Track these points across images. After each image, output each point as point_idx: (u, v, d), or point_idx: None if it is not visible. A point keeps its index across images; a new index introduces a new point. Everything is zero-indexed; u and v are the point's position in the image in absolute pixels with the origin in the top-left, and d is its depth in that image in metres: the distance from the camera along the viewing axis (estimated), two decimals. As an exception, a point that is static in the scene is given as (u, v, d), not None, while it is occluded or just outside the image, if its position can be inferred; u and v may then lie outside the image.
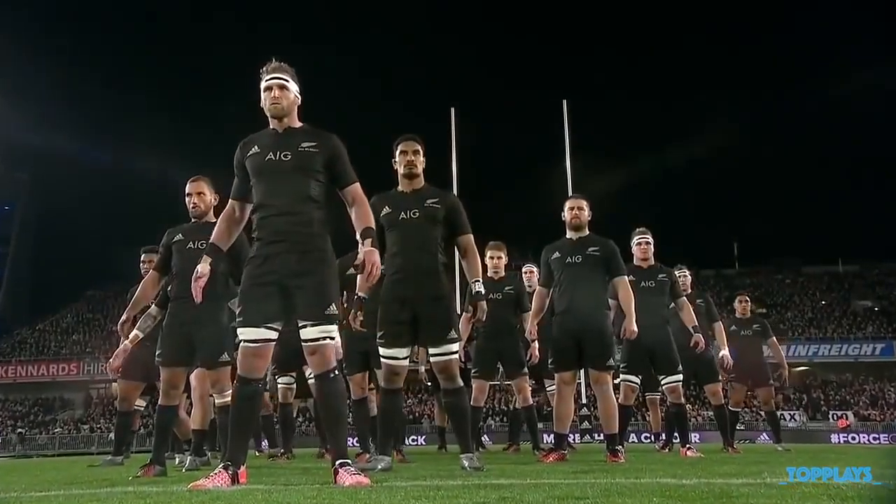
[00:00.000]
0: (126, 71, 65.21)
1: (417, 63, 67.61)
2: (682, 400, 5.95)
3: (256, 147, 3.24)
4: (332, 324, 3.08)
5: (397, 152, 4.16)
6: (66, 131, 47.30)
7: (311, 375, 3.25)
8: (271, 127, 3.30)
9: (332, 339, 3.09)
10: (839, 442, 24.02)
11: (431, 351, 3.98)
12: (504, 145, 61.50)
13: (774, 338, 8.17)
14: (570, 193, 24.59)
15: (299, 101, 3.33)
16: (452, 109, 27.65)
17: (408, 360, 4.07)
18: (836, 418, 28.69)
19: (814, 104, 56.56)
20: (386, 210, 4.07)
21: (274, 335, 3.09)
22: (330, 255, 3.18)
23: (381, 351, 4.03)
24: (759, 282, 42.55)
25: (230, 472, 2.90)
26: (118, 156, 53.37)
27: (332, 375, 3.06)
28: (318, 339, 3.05)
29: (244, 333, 3.06)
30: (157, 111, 65.51)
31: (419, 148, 4.16)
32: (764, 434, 24.13)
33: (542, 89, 59.48)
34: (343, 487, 2.72)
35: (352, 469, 2.88)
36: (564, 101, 27.62)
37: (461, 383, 4.03)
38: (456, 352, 3.99)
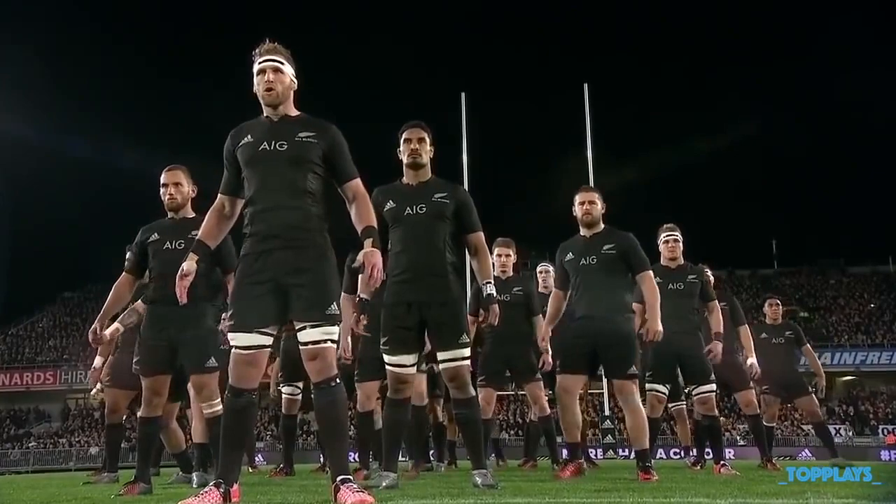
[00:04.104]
0: (107, 58, 65.42)
1: (425, 45, 67.59)
2: (716, 412, 5.93)
3: (249, 136, 3.24)
4: (333, 325, 3.08)
5: (401, 140, 4.17)
6: (42, 120, 47.54)
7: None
8: (265, 115, 3.30)
9: (335, 342, 3.09)
10: (890, 459, 23.88)
11: (441, 356, 3.98)
12: (519, 133, 61.39)
13: (808, 345, 8.14)
14: (591, 186, 24.56)
15: (295, 86, 3.33)
16: (462, 95, 27.69)
17: (415, 367, 4.09)
18: (885, 433, 28.52)
19: (860, 92, 56.22)
20: (390, 204, 4.07)
21: (268, 341, 3.09)
22: (329, 252, 3.18)
23: (386, 358, 4.04)
24: (801, 283, 42.38)
25: (221, 489, 2.92)
26: (98, 148, 53.68)
27: (333, 384, 3.06)
28: (318, 342, 3.04)
29: (235, 339, 3.06)
30: (139, 102, 65.80)
31: (425, 136, 4.15)
32: (806, 450, 24.02)
33: (561, 72, 59.34)
34: (344, 506, 2.74)
35: (354, 486, 2.89)
36: (585, 85, 27.58)
37: (473, 392, 4.06)
38: (467, 357, 4.00)
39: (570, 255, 5.00)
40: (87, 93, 61.42)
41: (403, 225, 4.05)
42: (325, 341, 3.06)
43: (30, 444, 32.18)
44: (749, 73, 67.66)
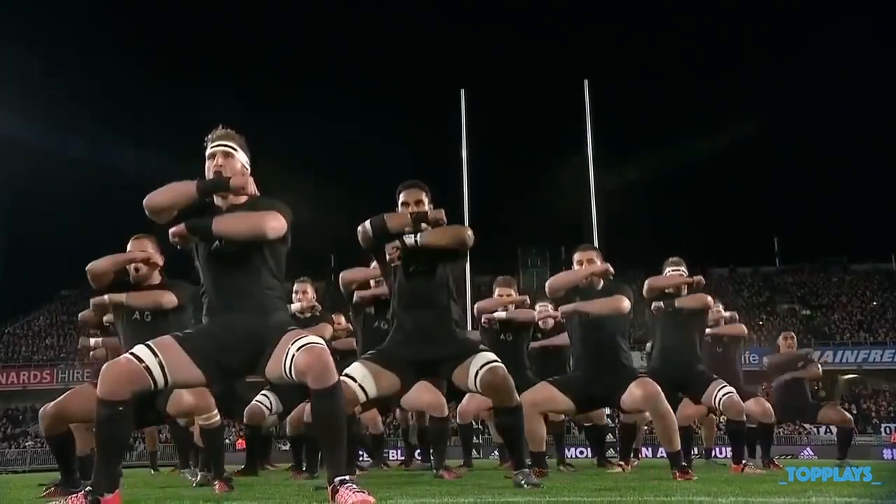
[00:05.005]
0: (107, 59, 65.17)
1: (424, 42, 67.43)
2: (743, 417, 5.82)
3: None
4: (304, 332, 3.10)
5: (399, 202, 4.10)
6: (41, 119, 47.36)
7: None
8: (216, 203, 3.27)
9: (320, 344, 3.02)
10: (892, 458, 23.91)
11: (472, 373, 3.82)
12: (520, 130, 61.23)
13: (820, 371, 8.40)
14: (591, 184, 24.62)
15: (248, 172, 3.30)
16: (462, 92, 27.68)
17: (366, 397, 3.92)
18: (888, 431, 28.56)
19: (862, 89, 56.12)
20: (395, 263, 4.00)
21: (158, 375, 2.98)
22: (276, 311, 3.24)
23: (360, 368, 3.90)
24: (803, 280, 42.35)
25: (89, 499, 2.84)
26: (97, 146, 53.43)
27: (335, 391, 2.98)
28: (305, 345, 2.99)
29: (139, 348, 3.00)
30: (139, 102, 65.56)
31: (423, 198, 4.08)
32: (808, 449, 24.05)
33: (562, 68, 59.11)
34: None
35: (354, 486, 2.89)
36: (586, 81, 27.56)
37: (518, 400, 3.93)
38: (494, 360, 3.84)
39: (578, 298, 4.93)
40: (86, 93, 61.18)
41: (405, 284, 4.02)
42: (312, 343, 3.00)
43: (26, 444, 32.22)
44: (750, 70, 67.61)
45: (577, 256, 5.08)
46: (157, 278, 4.56)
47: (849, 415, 8.39)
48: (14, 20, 57.34)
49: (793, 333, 8.70)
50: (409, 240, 3.89)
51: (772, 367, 8.21)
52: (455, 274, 4.08)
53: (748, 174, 62.02)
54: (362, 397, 3.86)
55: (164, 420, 4.98)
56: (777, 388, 8.07)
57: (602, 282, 4.99)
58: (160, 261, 4.55)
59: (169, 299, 4.46)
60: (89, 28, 63.04)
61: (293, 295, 6.36)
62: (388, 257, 3.95)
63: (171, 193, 3.17)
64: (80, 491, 2.91)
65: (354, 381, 3.80)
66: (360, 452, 8.47)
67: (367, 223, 3.95)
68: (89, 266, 4.38)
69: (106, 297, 4.50)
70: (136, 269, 4.49)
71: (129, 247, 4.56)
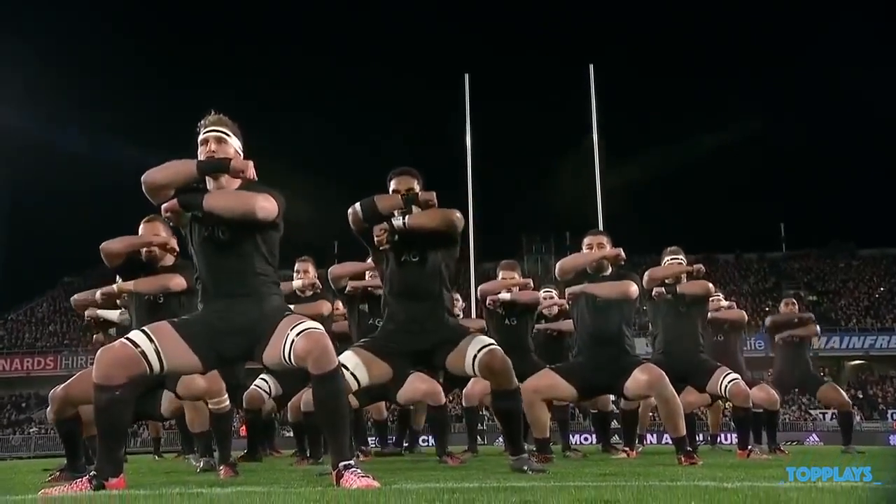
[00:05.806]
0: (106, 58, 64.89)
1: (427, 24, 67.08)
2: (749, 404, 5.79)
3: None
4: (299, 316, 3.13)
5: (390, 189, 4.08)
6: (44, 108, 47.41)
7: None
8: (210, 188, 3.27)
9: (318, 329, 3.05)
10: (898, 444, 23.93)
11: (469, 357, 3.82)
12: (524, 118, 61.00)
13: (818, 329, 8.41)
14: (596, 170, 24.53)
15: (240, 158, 3.30)
16: (466, 77, 27.51)
17: (362, 383, 3.94)
18: (894, 418, 28.58)
19: (867, 74, 55.76)
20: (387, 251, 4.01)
21: (154, 360, 3.02)
22: (270, 298, 3.25)
23: (352, 356, 3.90)
24: (809, 266, 42.28)
25: (93, 483, 2.88)
26: (95, 143, 53.36)
27: (335, 374, 3.02)
28: (303, 330, 3.01)
29: (135, 333, 3.06)
30: (140, 99, 65.41)
31: (414, 185, 4.06)
32: (814, 434, 24.08)
33: (566, 53, 58.73)
34: (349, 490, 2.75)
35: (358, 471, 2.91)
36: (591, 66, 27.34)
37: (517, 382, 3.90)
38: (491, 343, 3.86)
39: (586, 282, 4.97)
40: (87, 87, 61.15)
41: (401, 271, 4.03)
42: (309, 329, 3.03)
43: (31, 430, 32.40)
44: (756, 62, 67.18)
45: (586, 240, 5.09)
46: (169, 260, 4.58)
47: (847, 398, 8.33)
48: (14, 19, 57.24)
49: (794, 300, 8.73)
50: (398, 221, 3.89)
51: (773, 324, 8.25)
52: (447, 262, 4.07)
53: (754, 161, 61.83)
54: (354, 386, 3.86)
55: (161, 417, 5.05)
56: (778, 354, 8.09)
57: (610, 267, 5.00)
58: (177, 247, 4.57)
59: (177, 283, 4.48)
60: (89, 27, 62.85)
61: (294, 274, 6.41)
62: (375, 240, 3.94)
63: (170, 171, 3.18)
64: (85, 476, 2.95)
65: (347, 369, 3.77)
66: (374, 439, 8.56)
67: (358, 205, 3.94)
68: (103, 245, 4.39)
69: (115, 286, 4.53)
70: (149, 252, 4.52)
71: (140, 229, 4.57)
